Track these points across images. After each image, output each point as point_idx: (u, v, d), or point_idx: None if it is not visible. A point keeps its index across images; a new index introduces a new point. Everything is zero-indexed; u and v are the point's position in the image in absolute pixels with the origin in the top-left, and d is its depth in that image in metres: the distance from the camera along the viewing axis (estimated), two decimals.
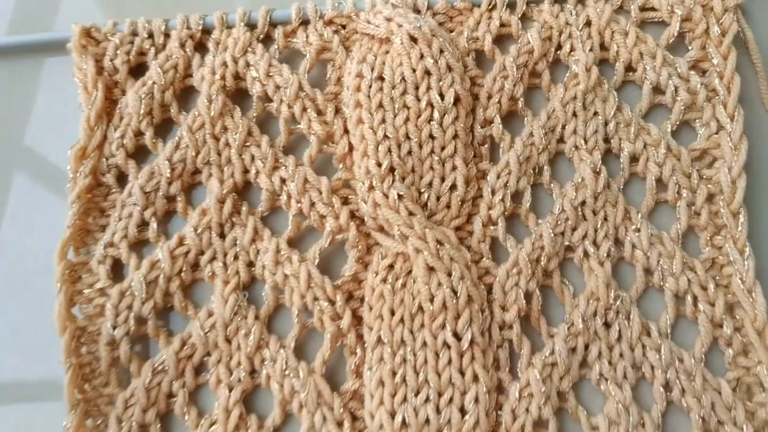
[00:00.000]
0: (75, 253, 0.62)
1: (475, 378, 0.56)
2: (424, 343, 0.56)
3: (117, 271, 0.62)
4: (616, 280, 0.59)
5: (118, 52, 0.64)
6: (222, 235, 0.61)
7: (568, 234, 0.59)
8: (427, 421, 0.55)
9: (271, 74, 0.62)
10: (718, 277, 0.58)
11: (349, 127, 0.61)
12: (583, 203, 0.59)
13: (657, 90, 0.62)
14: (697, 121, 0.61)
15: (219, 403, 0.58)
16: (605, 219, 0.59)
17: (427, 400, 0.56)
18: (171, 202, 0.62)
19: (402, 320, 0.57)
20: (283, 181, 0.61)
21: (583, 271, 0.59)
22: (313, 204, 0.60)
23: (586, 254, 0.59)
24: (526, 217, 0.60)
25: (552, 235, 0.59)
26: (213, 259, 0.61)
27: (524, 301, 0.58)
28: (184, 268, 0.60)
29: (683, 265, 0.58)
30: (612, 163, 0.61)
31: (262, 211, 0.62)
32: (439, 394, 0.56)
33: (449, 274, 0.57)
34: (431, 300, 0.57)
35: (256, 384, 0.59)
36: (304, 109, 0.62)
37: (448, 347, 0.56)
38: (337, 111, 0.62)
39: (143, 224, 0.62)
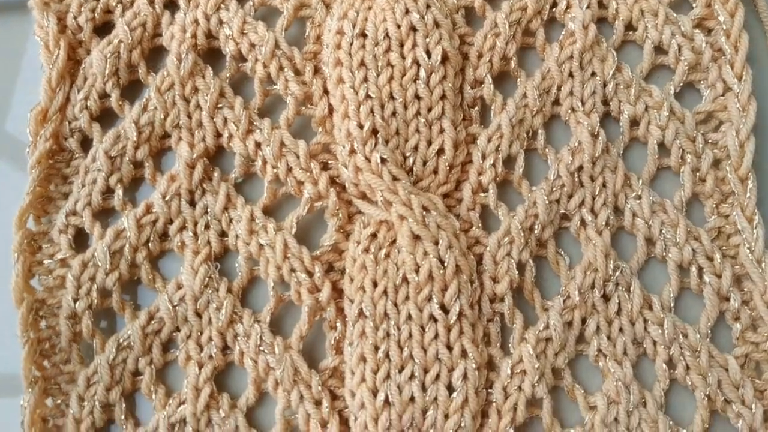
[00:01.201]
0: (35, 222, 0.57)
1: (464, 353, 0.52)
2: (409, 317, 0.53)
3: (80, 241, 0.58)
4: (616, 251, 0.55)
5: (83, 9, 0.60)
6: (192, 203, 0.57)
7: (564, 201, 0.55)
8: (412, 399, 0.52)
9: (245, 32, 0.58)
10: (725, 247, 0.55)
11: (329, 88, 0.57)
12: (580, 168, 0.55)
13: (659, 50, 0.58)
14: (701, 82, 0.57)
15: (188, 381, 0.54)
16: (604, 185, 0.56)
17: (411, 377, 0.52)
18: (138, 168, 0.58)
19: (385, 292, 0.53)
20: (257, 145, 0.57)
21: (580, 241, 0.55)
22: (290, 169, 0.56)
23: (583, 223, 0.55)
24: (519, 184, 0.56)
25: (547, 202, 0.55)
26: (182, 228, 0.57)
27: (516, 273, 0.54)
28: (151, 238, 0.56)
29: (687, 234, 0.54)
30: (611, 126, 0.57)
31: (236, 177, 0.57)
32: (425, 371, 0.52)
33: (436, 243, 0.53)
34: (417, 270, 0.53)
35: (229, 361, 0.55)
36: (281, 69, 0.58)
37: (435, 321, 0.52)
38: (317, 71, 0.58)
39: (108, 191, 0.58)
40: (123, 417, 0.55)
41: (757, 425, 0.51)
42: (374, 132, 0.55)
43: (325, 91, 0.58)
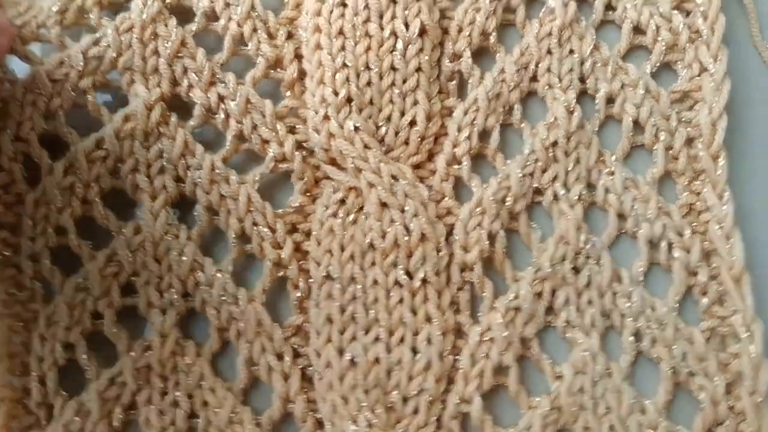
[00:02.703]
0: None
1: (428, 318, 0.53)
2: (375, 281, 0.53)
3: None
4: (588, 225, 0.55)
5: None
6: (146, 146, 0.56)
7: (537, 175, 0.56)
8: (377, 360, 0.52)
9: None
10: (695, 224, 0.55)
11: (304, 53, 0.57)
12: (555, 144, 0.56)
13: (637, 30, 0.58)
14: (678, 63, 0.58)
15: (154, 327, 0.54)
16: (578, 161, 0.56)
17: (377, 339, 0.52)
18: (80, 97, 0.56)
19: (352, 257, 0.53)
20: (221, 98, 0.56)
21: (552, 215, 0.55)
22: (255, 127, 0.56)
23: (555, 197, 0.55)
24: (494, 158, 0.57)
25: (520, 175, 0.55)
26: (134, 170, 0.55)
27: (487, 243, 0.54)
28: (101, 174, 0.55)
29: (659, 210, 0.54)
30: (587, 104, 0.57)
31: (194, 125, 0.57)
32: (390, 334, 0.52)
33: (402, 211, 0.53)
34: (383, 237, 0.53)
35: (190, 308, 0.55)
36: (254, 30, 0.57)
37: (400, 286, 0.53)
38: (289, 36, 0.58)
39: (49, 116, 0.56)
40: (85, 357, 0.54)
41: (719, 397, 0.51)
42: (349, 100, 0.55)
43: (296, 56, 0.57)
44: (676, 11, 0.58)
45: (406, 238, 0.53)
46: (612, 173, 0.55)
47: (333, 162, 0.56)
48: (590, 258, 0.54)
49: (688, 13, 0.58)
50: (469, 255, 0.54)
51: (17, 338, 0.54)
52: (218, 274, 0.54)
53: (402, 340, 0.52)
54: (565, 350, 0.54)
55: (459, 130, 0.56)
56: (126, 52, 0.57)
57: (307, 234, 0.55)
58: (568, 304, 0.54)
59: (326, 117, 0.55)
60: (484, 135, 0.57)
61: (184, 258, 0.54)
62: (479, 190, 0.55)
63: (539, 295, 0.54)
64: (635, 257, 0.55)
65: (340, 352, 0.52)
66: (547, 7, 0.58)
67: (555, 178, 0.56)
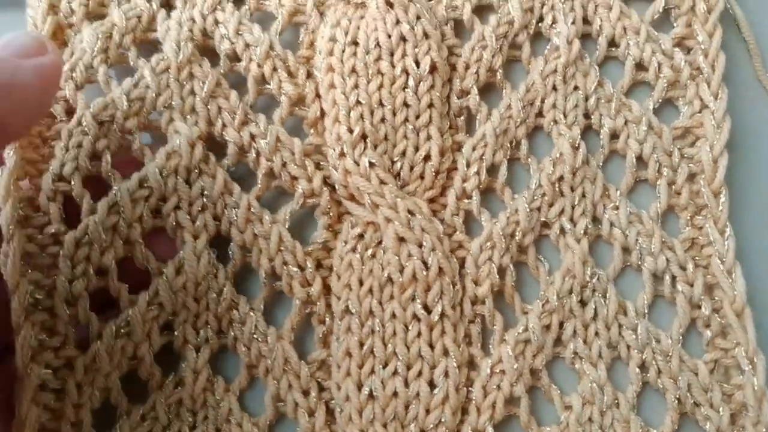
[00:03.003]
0: (15, 187, 0.54)
1: (445, 352, 0.54)
2: (393, 315, 0.54)
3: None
4: (593, 259, 0.57)
5: None
6: (188, 183, 0.56)
7: (544, 210, 0.57)
8: (395, 394, 0.53)
9: (240, 32, 0.59)
10: (697, 258, 0.56)
11: (321, 92, 0.58)
12: (561, 178, 0.57)
13: (640, 67, 0.60)
14: (680, 99, 0.59)
15: (187, 365, 0.55)
16: (583, 196, 0.57)
17: (395, 372, 0.54)
18: (125, 138, 0.57)
19: (371, 291, 0.55)
20: (252, 137, 0.57)
21: (560, 248, 0.57)
22: (284, 164, 0.57)
23: (562, 231, 0.57)
24: (502, 192, 0.58)
25: (528, 209, 0.57)
26: (177, 207, 0.56)
27: (497, 277, 0.56)
28: (144, 215, 0.55)
29: (662, 244, 0.56)
30: (592, 139, 0.59)
31: (229, 164, 0.58)
32: (408, 367, 0.54)
33: (420, 246, 0.55)
34: (401, 271, 0.55)
35: (222, 345, 0.56)
36: (275, 69, 0.59)
37: (418, 320, 0.54)
38: (309, 75, 0.59)
39: (94, 157, 0.56)
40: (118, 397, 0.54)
41: (724, 427, 0.53)
42: (363, 137, 0.57)
43: (318, 95, 0.59)
44: (677, 48, 0.60)
45: (424, 273, 0.54)
46: (617, 208, 0.57)
47: (352, 197, 0.57)
48: (596, 291, 0.56)
49: (689, 50, 0.60)
50: (480, 289, 0.56)
51: (47, 394, 0.53)
52: (251, 313, 0.55)
53: (420, 373, 0.54)
54: (574, 381, 0.55)
55: (468, 165, 0.58)
56: (164, 92, 0.58)
57: (331, 269, 0.56)
58: (575, 336, 0.55)
59: (342, 154, 0.56)
60: (493, 170, 0.58)
61: (223, 297, 0.55)
62: (489, 225, 0.57)
63: (547, 327, 0.55)
64: (640, 290, 0.56)
65: (359, 386, 0.53)
66: (552, 44, 0.60)
67: (561, 213, 0.57)
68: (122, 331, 0.54)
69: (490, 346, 0.56)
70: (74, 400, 0.53)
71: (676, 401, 0.54)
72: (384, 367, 0.54)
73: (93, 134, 0.56)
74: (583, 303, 0.56)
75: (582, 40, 0.60)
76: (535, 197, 0.57)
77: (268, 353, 0.54)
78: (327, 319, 0.56)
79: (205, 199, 0.56)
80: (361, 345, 0.54)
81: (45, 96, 0.52)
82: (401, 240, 0.55)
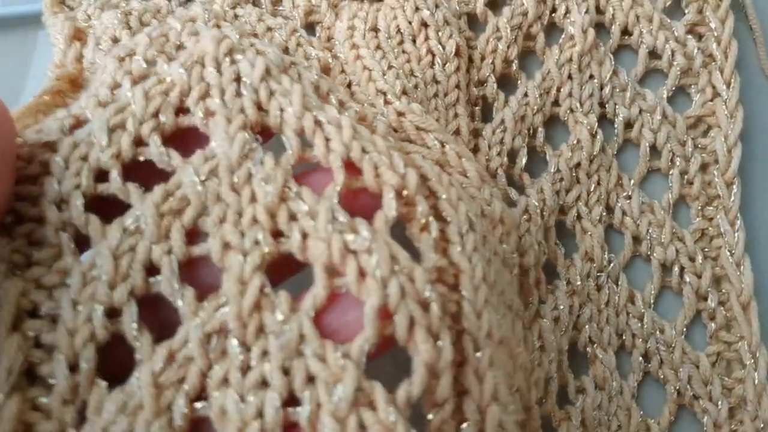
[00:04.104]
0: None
1: None
2: None
3: None
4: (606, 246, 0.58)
5: (91, 3, 0.59)
6: (219, 71, 0.43)
7: (563, 194, 0.58)
8: None
9: (263, 19, 0.59)
10: (707, 249, 0.58)
11: (346, 69, 0.57)
12: (578, 165, 0.58)
13: (653, 54, 0.61)
14: (692, 87, 0.60)
15: (230, 274, 0.37)
16: (598, 183, 0.58)
17: None
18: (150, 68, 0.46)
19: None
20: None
21: (576, 233, 0.58)
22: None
23: (578, 216, 0.58)
24: (520, 178, 0.59)
25: (551, 190, 0.58)
26: (206, 96, 0.43)
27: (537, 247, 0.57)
28: (163, 109, 0.43)
29: (672, 235, 0.57)
30: (607, 128, 0.60)
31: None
32: None
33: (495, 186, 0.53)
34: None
35: (282, 251, 0.38)
36: (299, 45, 0.59)
37: None
38: (335, 57, 0.59)
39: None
40: (135, 326, 0.37)
41: (722, 421, 0.54)
42: (404, 93, 0.54)
43: (343, 70, 0.58)
44: (689, 35, 0.60)
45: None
46: (629, 197, 0.58)
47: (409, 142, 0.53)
48: (609, 277, 0.57)
49: (701, 37, 0.61)
50: (523, 260, 0.56)
51: (35, 321, 0.38)
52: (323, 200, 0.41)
53: None
54: (584, 365, 0.57)
55: (489, 147, 0.59)
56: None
57: None
58: (591, 321, 0.56)
59: (387, 102, 0.53)
60: (511, 154, 0.59)
61: (272, 185, 0.40)
62: (523, 198, 0.57)
63: (570, 308, 0.56)
64: (647, 280, 0.58)
65: None
66: (566, 33, 0.61)
67: (578, 198, 0.58)
68: (130, 228, 0.39)
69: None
70: (69, 325, 0.37)
71: (676, 393, 0.55)
72: None
73: (114, 69, 0.44)
74: (598, 288, 0.57)
75: (595, 29, 0.60)
76: (554, 181, 0.58)
77: (364, 242, 0.38)
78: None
79: (246, 82, 0.43)
80: None
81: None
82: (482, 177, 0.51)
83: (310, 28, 0.61)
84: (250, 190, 0.39)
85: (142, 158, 0.41)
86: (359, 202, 0.39)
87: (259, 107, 0.42)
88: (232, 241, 0.38)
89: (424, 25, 0.58)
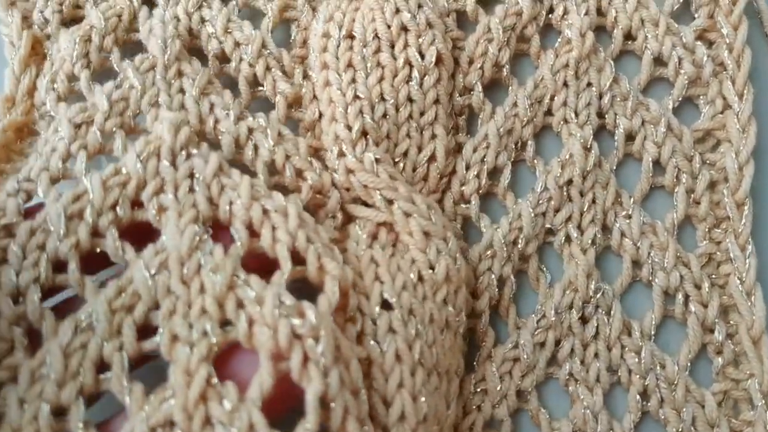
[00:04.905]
0: None
1: None
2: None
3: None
4: (600, 271, 0.52)
5: (49, 2, 0.56)
6: (174, 165, 0.45)
7: (550, 215, 0.53)
8: None
9: (229, 30, 0.55)
10: (714, 276, 0.52)
11: (317, 93, 0.54)
12: (570, 182, 0.53)
13: (658, 61, 0.55)
14: (701, 98, 0.55)
15: (176, 366, 0.39)
16: (593, 201, 0.53)
17: None
18: (107, 140, 0.49)
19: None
20: (250, 131, 0.52)
21: (563, 258, 0.53)
22: (288, 157, 0.51)
23: (568, 239, 0.53)
24: (504, 196, 0.54)
25: (532, 214, 0.52)
26: (160, 191, 0.44)
27: (497, 290, 0.52)
28: (120, 202, 0.44)
29: (676, 259, 0.51)
30: (605, 141, 0.55)
31: (224, 155, 0.51)
32: None
33: (446, 241, 0.49)
34: (432, 269, 0.48)
35: (230, 340, 0.40)
36: (268, 69, 0.55)
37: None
38: (306, 76, 0.55)
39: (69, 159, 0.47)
40: (81, 426, 0.38)
41: None
42: (364, 134, 0.51)
43: (315, 96, 0.54)
44: (699, 42, 0.55)
45: (457, 268, 0.49)
46: (629, 216, 0.53)
47: (355, 201, 0.51)
48: (600, 308, 0.51)
49: (711, 44, 0.55)
50: (478, 302, 0.52)
51: None
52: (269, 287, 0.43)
53: None
54: (566, 404, 0.51)
55: (468, 167, 0.54)
56: (150, 89, 0.52)
57: None
58: (572, 356, 0.51)
59: (341, 153, 0.51)
60: (495, 173, 0.54)
61: (220, 275, 0.42)
62: (490, 231, 0.53)
63: (542, 344, 0.51)
64: (648, 308, 0.52)
65: None
66: (563, 36, 0.55)
67: (569, 219, 0.53)
68: (83, 325, 0.40)
69: (474, 363, 0.51)
70: (12, 422, 0.38)
71: None
72: None
73: (69, 137, 0.48)
74: (584, 320, 0.51)
75: (596, 33, 0.55)
76: (540, 201, 0.53)
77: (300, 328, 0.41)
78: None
79: (197, 179, 0.45)
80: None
81: None
82: (426, 235, 0.49)
83: (285, 24, 0.57)
84: (200, 281, 0.41)
85: (98, 249, 0.43)
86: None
87: (211, 201, 0.44)
88: (180, 333, 0.39)
89: (404, 29, 0.53)
